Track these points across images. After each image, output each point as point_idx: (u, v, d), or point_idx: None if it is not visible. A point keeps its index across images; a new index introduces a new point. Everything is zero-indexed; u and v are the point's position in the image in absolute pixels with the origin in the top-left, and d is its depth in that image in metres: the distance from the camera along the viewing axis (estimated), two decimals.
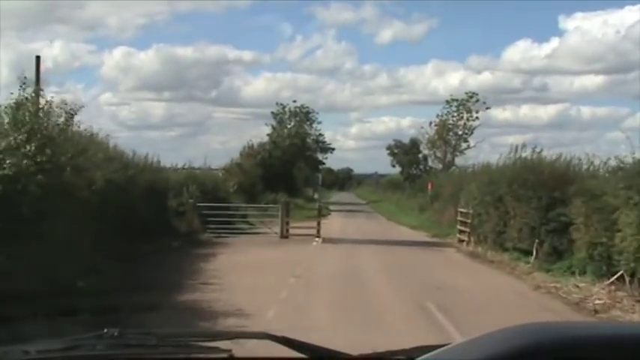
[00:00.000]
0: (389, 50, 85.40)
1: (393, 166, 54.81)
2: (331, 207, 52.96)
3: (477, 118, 50.11)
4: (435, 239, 25.62)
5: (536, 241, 17.07)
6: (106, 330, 2.13)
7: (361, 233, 27.99)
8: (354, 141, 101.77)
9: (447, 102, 50.66)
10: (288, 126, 51.50)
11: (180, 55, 78.14)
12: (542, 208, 17.11)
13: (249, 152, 46.09)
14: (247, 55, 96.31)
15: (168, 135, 79.51)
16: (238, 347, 2.10)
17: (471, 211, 21.88)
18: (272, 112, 55.35)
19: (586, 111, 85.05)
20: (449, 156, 50.96)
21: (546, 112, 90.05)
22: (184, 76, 75.15)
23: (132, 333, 2.19)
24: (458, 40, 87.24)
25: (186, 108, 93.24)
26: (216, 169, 39.95)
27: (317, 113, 57.10)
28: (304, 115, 56.46)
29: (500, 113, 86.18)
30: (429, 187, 39.67)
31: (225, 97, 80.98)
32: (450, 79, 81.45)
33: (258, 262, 17.22)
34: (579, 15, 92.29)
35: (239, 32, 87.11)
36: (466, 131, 50.87)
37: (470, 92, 50.36)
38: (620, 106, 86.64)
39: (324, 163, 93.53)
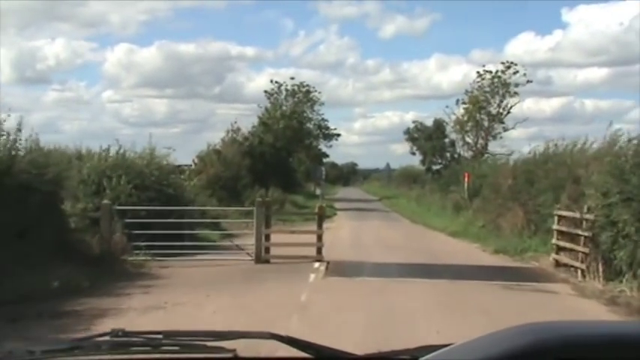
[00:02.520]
0: (392, 45, 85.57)
1: (413, 153, 44.99)
2: (337, 205, 43.36)
3: (515, 93, 40.43)
4: (507, 260, 16.05)
5: None
6: (110, 330, 2.14)
7: (385, 248, 18.48)
8: (357, 136, 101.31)
9: (478, 74, 40.97)
10: (284, 107, 41.58)
11: (183, 51, 75.85)
12: None
13: (233, 137, 36.52)
14: (250, 51, 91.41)
15: (172, 132, 76.64)
16: (243, 347, 2.05)
17: (590, 217, 12.28)
18: (265, 92, 45.57)
19: (589, 104, 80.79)
20: (481, 141, 41.34)
21: (550, 105, 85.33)
22: (187, 73, 73.16)
23: (136, 333, 2.17)
24: (461, 34, 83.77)
25: (189, 105, 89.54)
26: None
27: (319, 92, 47.42)
28: (304, 95, 46.72)
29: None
30: (466, 179, 30.07)
31: (228, 94, 78.31)
32: (454, 73, 77.77)
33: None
34: (582, 7, 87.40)
35: (242, 28, 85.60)
36: (501, 110, 41.24)
37: (507, 61, 40.64)
38: (623, 99, 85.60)
39: (327, 156, 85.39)
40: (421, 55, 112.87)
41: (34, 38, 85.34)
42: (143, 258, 14.20)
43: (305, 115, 42.93)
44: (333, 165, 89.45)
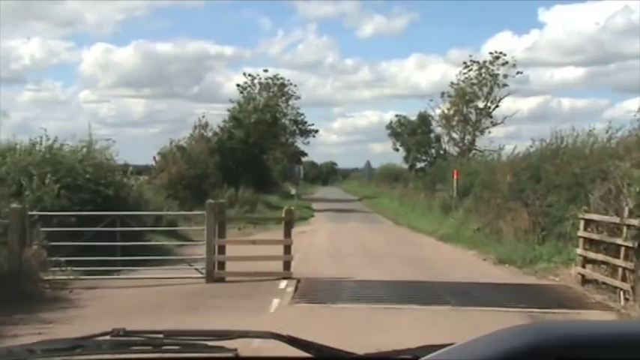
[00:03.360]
0: (370, 44, 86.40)
1: (396, 149, 42.00)
2: (315, 205, 40.48)
3: (504, 85, 37.83)
4: (516, 273, 13.22)
5: None
6: (111, 329, 2.12)
7: (368, 257, 15.68)
8: (336, 135, 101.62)
9: (465, 64, 38.30)
10: (257, 100, 38.36)
11: (160, 51, 77.04)
12: None
13: (201, 133, 33.45)
14: (228, 51, 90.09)
15: (150, 132, 78.08)
16: (244, 346, 2.03)
17: (635, 222, 9.47)
18: (238, 85, 42.49)
19: (566, 103, 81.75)
20: (468, 136, 38.69)
21: (527, 104, 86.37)
22: (165, 73, 72.90)
23: (137, 332, 2.14)
24: (439, 33, 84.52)
25: (167, 104, 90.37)
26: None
27: (295, 86, 44.43)
28: (278, 89, 43.73)
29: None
30: (455, 176, 27.33)
31: (206, 94, 77.63)
32: (432, 72, 79.65)
33: None
34: (558, 7, 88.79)
35: (220, 27, 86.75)
36: (489, 104, 38.62)
37: (496, 52, 38.01)
38: (599, 98, 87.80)
39: (306, 154, 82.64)
40: (400, 55, 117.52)
41: (9, 37, 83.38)
42: (64, 277, 11.22)
43: (279, 109, 39.82)
44: (312, 164, 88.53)
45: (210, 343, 2.08)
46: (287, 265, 11.89)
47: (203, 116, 33.44)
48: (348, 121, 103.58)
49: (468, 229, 21.53)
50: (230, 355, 2.03)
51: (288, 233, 12.43)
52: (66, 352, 2.03)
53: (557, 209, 14.69)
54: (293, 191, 34.45)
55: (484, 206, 21.41)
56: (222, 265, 11.69)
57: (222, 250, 11.79)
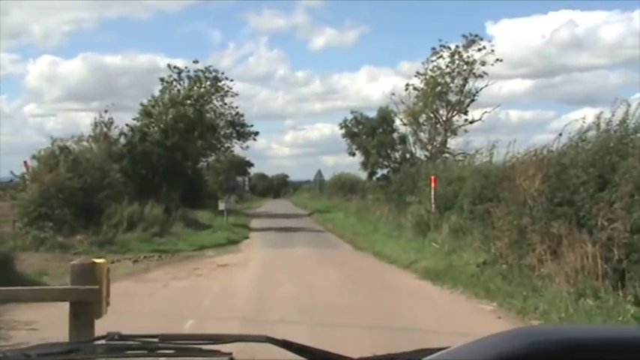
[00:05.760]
0: (322, 57, 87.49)
1: (352, 154, 34.82)
2: (254, 222, 33.26)
3: (483, 74, 31.35)
4: None
5: None
6: (106, 333, 2.13)
7: (318, 326, 8.55)
8: (288, 148, 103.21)
9: (434, 50, 31.72)
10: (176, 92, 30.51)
11: (109, 63, 74.38)
12: None
13: (104, 132, 25.93)
14: (179, 63, 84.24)
15: None
16: (239, 350, 1.99)
17: None
18: (161, 79, 34.52)
19: (514, 114, 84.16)
20: (438, 137, 32.02)
21: (476, 115, 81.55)
22: (113, 85, 69.29)
23: (132, 336, 2.11)
24: (389, 46, 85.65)
25: (116, 118, 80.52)
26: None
27: (231, 80, 37.05)
28: (212, 83, 36.19)
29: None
30: (433, 184, 20.53)
31: None
32: (383, 84, 79.76)
33: None
34: (506, 20, 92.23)
35: (170, 40, 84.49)
36: (462, 98, 32.09)
37: (472, 35, 31.53)
38: (546, 109, 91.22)
39: (252, 164, 75.64)
40: (351, 67, 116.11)
41: None
42: None
43: (206, 102, 32.17)
44: (262, 176, 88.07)
45: (204, 347, 2.09)
46: None
47: (106, 111, 25.90)
48: (300, 134, 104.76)
49: (463, 259, 14.71)
50: (225, 358, 2.02)
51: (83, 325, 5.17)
52: (61, 356, 2.05)
53: None
54: (222, 206, 27.08)
55: (487, 227, 14.65)
56: None
57: None
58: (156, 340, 2.10)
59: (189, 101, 28.06)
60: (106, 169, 22.95)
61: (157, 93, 30.42)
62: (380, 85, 79.91)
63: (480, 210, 16.21)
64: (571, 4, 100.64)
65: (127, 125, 27.27)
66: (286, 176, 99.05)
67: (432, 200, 20.27)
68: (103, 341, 2.12)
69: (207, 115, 33.64)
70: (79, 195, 20.11)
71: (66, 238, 18.43)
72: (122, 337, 2.11)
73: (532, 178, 11.81)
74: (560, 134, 12.56)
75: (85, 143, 23.70)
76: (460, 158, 27.95)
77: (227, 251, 20.18)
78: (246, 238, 24.70)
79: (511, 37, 70.75)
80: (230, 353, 1.99)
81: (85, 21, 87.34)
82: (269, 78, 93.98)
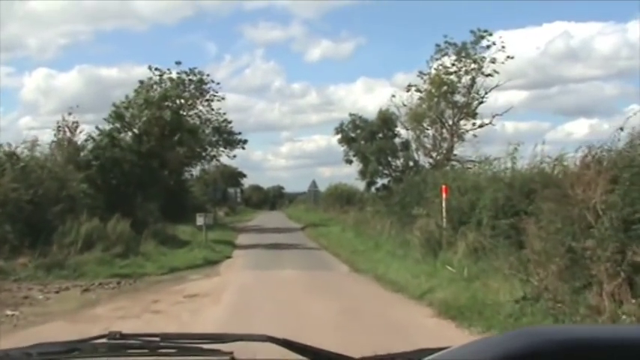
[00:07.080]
0: (318, 68, 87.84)
1: (349, 161, 31.59)
2: (241, 238, 30.13)
3: (493, 73, 28.33)
4: None
5: None
6: (108, 332, 2.11)
7: None
8: (284, 160, 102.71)
9: (439, 48, 28.71)
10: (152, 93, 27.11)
11: (105, 75, 72.37)
12: None
13: (68, 137, 22.81)
14: (174, 76, 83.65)
15: None
16: (239, 349, 2.03)
17: None
18: (140, 82, 31.05)
19: (510, 126, 78.66)
20: (444, 143, 28.92)
21: (472, 126, 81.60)
22: (109, 98, 67.66)
23: (134, 335, 2.14)
24: (385, 57, 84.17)
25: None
26: None
27: (218, 84, 33.91)
28: (196, 86, 33.08)
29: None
30: (444, 194, 17.45)
31: None
32: (379, 96, 79.26)
33: None
34: (501, 32, 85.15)
35: (166, 52, 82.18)
36: (469, 100, 29.05)
37: (479, 30, 28.53)
38: (541, 121, 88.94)
39: (244, 175, 72.51)
40: (347, 79, 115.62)
41: None
42: None
43: (184, 103, 29.00)
44: (257, 188, 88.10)
45: (206, 347, 2.08)
46: None
47: (70, 114, 22.77)
48: (296, 145, 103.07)
49: (491, 290, 11.57)
50: (226, 358, 2.02)
51: None
52: (62, 355, 2.03)
53: None
54: (200, 221, 23.89)
55: (516, 248, 11.61)
56: None
57: None
58: (157, 339, 2.11)
59: (166, 103, 24.86)
60: (66, 179, 19.83)
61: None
62: (376, 96, 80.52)
63: (505, 225, 13.33)
64: (565, 15, 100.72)
65: (96, 128, 24.12)
66: (282, 188, 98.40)
67: (444, 213, 17.20)
68: (104, 340, 2.10)
69: (191, 120, 30.61)
70: (26, 209, 17.00)
71: (6, 261, 15.34)
72: (123, 336, 2.10)
73: (593, 186, 8.71)
74: (622, 128, 9.60)
75: (41, 149, 20.56)
76: (470, 166, 24.93)
77: (202, 275, 17.07)
78: (228, 257, 21.54)
79: (506, 49, 69.96)
80: (231, 352, 2.02)
81: (81, 34, 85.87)
82: (265, 90, 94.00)
